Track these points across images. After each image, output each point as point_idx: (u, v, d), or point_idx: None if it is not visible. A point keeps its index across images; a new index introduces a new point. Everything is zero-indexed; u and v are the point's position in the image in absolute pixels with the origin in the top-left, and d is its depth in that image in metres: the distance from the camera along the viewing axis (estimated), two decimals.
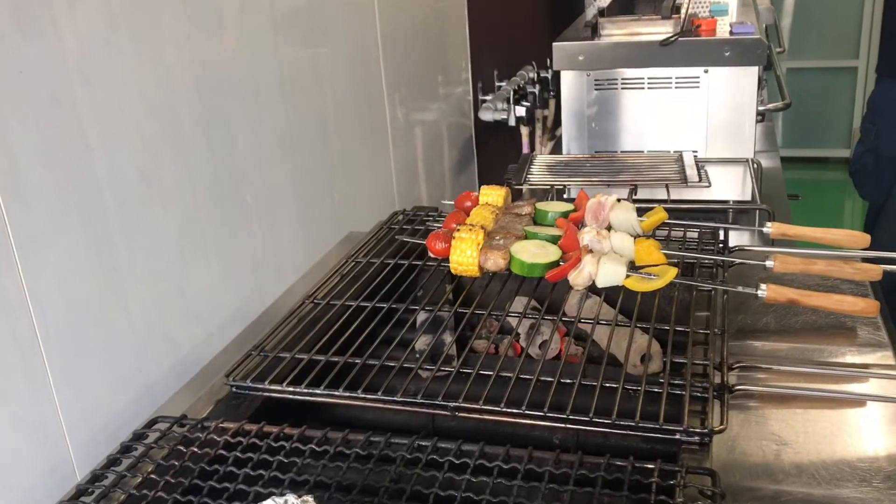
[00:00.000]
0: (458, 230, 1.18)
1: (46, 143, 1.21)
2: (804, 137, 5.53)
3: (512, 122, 2.57)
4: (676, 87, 2.33)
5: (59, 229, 1.23)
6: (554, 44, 2.36)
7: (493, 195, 1.33)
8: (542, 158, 2.36)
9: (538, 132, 2.85)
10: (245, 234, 1.67)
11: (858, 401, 1.01)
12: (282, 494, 0.71)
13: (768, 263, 1.17)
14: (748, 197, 2.29)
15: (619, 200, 1.30)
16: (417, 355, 1.15)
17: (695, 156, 2.26)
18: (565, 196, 2.42)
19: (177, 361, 1.46)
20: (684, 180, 2.11)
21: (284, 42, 1.77)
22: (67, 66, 1.24)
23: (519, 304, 1.28)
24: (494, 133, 2.79)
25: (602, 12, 2.42)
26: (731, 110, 2.30)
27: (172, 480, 0.83)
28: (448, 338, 1.19)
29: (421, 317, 1.24)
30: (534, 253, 1.17)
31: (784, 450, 0.94)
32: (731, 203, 2.33)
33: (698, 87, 2.30)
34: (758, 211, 2.23)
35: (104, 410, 1.29)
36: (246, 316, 1.54)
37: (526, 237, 1.23)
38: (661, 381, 0.95)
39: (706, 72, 2.28)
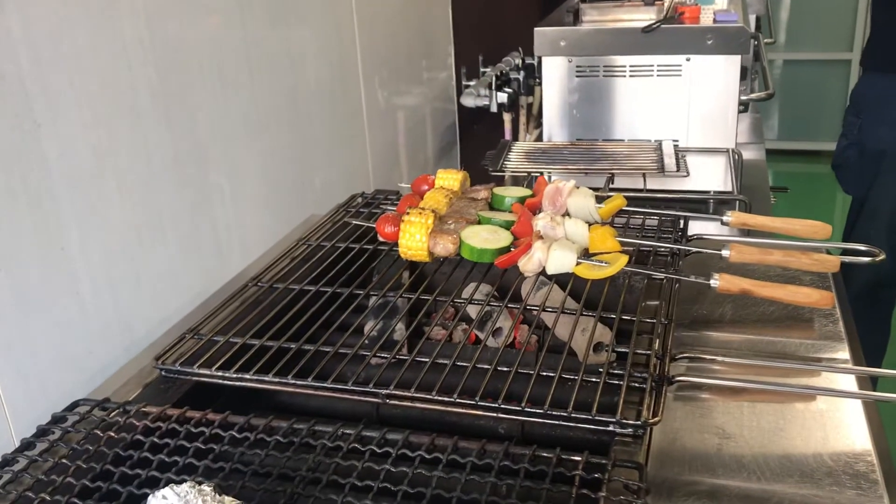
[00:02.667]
0: (408, 213, 1.15)
1: None
2: (797, 130, 5.48)
3: (494, 109, 2.54)
4: (658, 75, 2.29)
5: (3, 210, 1.20)
6: (535, 29, 2.33)
7: (449, 179, 1.30)
8: (521, 145, 2.33)
9: (522, 119, 2.82)
10: (207, 215, 1.64)
11: (807, 395, 0.98)
12: (180, 482, 0.69)
13: (724, 253, 1.14)
14: (729, 188, 2.26)
15: (577, 187, 1.27)
16: (367, 341, 1.13)
17: (675, 145, 2.23)
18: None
19: (131, 343, 1.43)
20: (661, 169, 2.08)
21: (251, 20, 1.74)
22: (12, 39, 1.21)
23: (478, 290, 1.25)
24: (479, 119, 2.76)
25: None
26: (713, 99, 2.27)
27: (84, 465, 0.80)
28: (398, 324, 1.17)
29: (372, 301, 1.21)
30: (484, 238, 1.15)
31: (726, 443, 0.92)
32: (712, 193, 2.30)
33: (680, 75, 2.27)
34: (736, 202, 2.21)
35: (50, 393, 1.26)
36: (205, 297, 1.51)
37: (479, 222, 1.21)
38: (601, 370, 0.92)
39: (688, 60, 2.24)
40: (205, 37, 1.60)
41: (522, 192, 1.29)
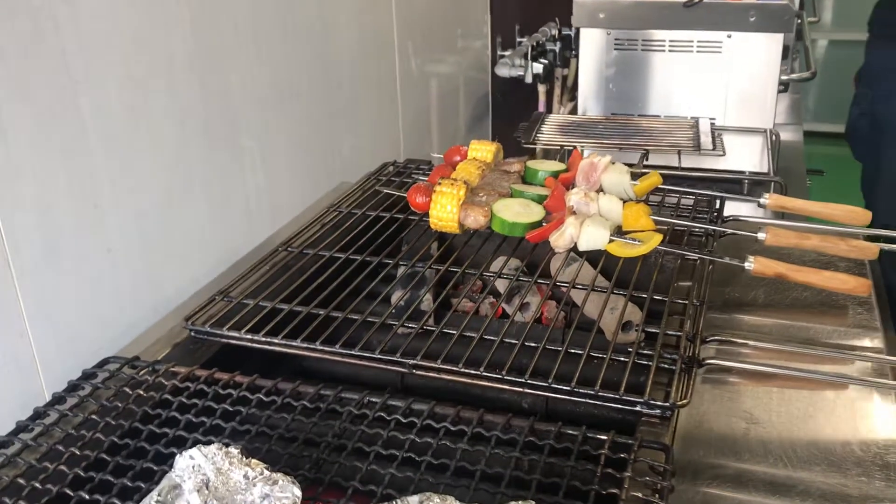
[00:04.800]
0: (440, 184, 1.14)
1: (26, 74, 1.18)
2: (837, 112, 5.36)
3: (528, 80, 2.51)
4: (698, 52, 2.25)
5: (38, 164, 1.21)
6: (575, 0, 2.29)
7: (482, 150, 1.28)
8: (554, 118, 2.31)
9: (557, 91, 2.78)
10: (237, 177, 1.65)
11: (839, 383, 0.96)
12: (207, 443, 0.69)
13: (760, 235, 1.12)
14: (765, 169, 2.22)
15: (612, 162, 1.26)
16: (394, 310, 1.13)
17: (712, 123, 2.19)
18: None
19: (160, 302, 1.44)
20: (697, 147, 2.05)
21: None
22: None
23: (507, 264, 1.25)
24: (513, 90, 2.73)
25: None
26: (753, 78, 2.22)
27: (113, 422, 0.81)
28: (426, 295, 1.16)
29: (400, 271, 1.21)
30: (516, 212, 1.13)
31: (754, 428, 0.91)
32: (747, 174, 2.27)
33: (720, 52, 2.22)
34: (772, 183, 2.17)
35: (81, 348, 1.27)
36: (234, 260, 1.52)
37: (512, 195, 1.19)
38: (630, 350, 0.91)
39: (729, 37, 2.19)
40: (241, 1, 1.59)
41: (556, 165, 1.28)
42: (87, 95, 1.29)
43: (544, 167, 1.26)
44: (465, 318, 1.06)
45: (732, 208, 1.34)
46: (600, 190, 1.24)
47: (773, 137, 2.22)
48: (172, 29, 1.43)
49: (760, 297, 1.15)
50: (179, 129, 1.48)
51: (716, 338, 0.98)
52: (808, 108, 5.34)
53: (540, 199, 1.18)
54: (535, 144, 2.17)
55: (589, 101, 2.39)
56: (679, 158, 2.09)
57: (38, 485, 0.73)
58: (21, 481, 0.74)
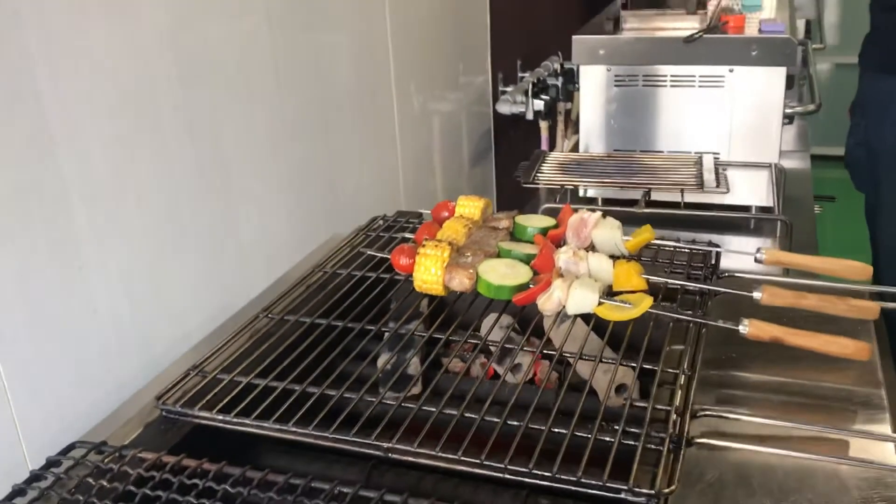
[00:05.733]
0: (424, 246, 1.11)
1: (4, 140, 1.16)
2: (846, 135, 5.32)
3: (530, 116, 2.48)
4: (700, 86, 2.22)
5: (18, 229, 1.19)
6: (574, 37, 2.27)
7: (470, 207, 1.25)
8: (555, 156, 2.28)
9: (560, 126, 2.76)
10: (231, 229, 1.62)
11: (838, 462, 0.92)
12: None
13: (756, 295, 1.08)
14: (772, 203, 2.19)
15: (604, 216, 1.22)
16: (380, 375, 1.09)
17: (716, 158, 2.16)
18: (580, 195, 2.35)
19: (150, 361, 1.41)
20: (700, 185, 2.02)
21: (279, 28, 1.70)
22: (29, 55, 1.19)
23: (499, 321, 1.21)
24: (515, 126, 2.70)
25: (626, 5, 2.31)
26: (757, 112, 2.19)
27: None
28: (413, 358, 1.13)
29: (387, 335, 1.18)
30: (502, 273, 1.10)
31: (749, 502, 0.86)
32: (754, 209, 2.23)
33: (723, 86, 2.19)
34: (778, 222, 2.13)
35: (66, 412, 1.24)
36: (229, 314, 1.49)
37: (499, 254, 1.16)
38: (616, 428, 0.87)
39: (731, 71, 2.16)
40: (230, 47, 1.57)
41: (546, 221, 1.24)
42: (67, 156, 1.27)
43: (533, 223, 1.23)
44: (454, 379, 1.02)
45: (731, 260, 1.30)
46: (591, 247, 1.21)
47: (778, 172, 2.19)
48: (158, 83, 1.41)
49: (761, 353, 1.11)
50: (168, 183, 1.46)
51: (707, 413, 0.94)
52: (817, 132, 5.28)
53: (528, 259, 1.14)
54: (536, 184, 2.14)
55: (591, 138, 2.36)
56: (682, 196, 2.06)
57: None
58: None
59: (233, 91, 1.58)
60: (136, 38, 1.37)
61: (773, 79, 2.14)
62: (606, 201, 2.31)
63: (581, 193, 2.34)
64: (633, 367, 1.00)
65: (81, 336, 1.30)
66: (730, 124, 2.22)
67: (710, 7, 2.27)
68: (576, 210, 1.23)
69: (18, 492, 0.81)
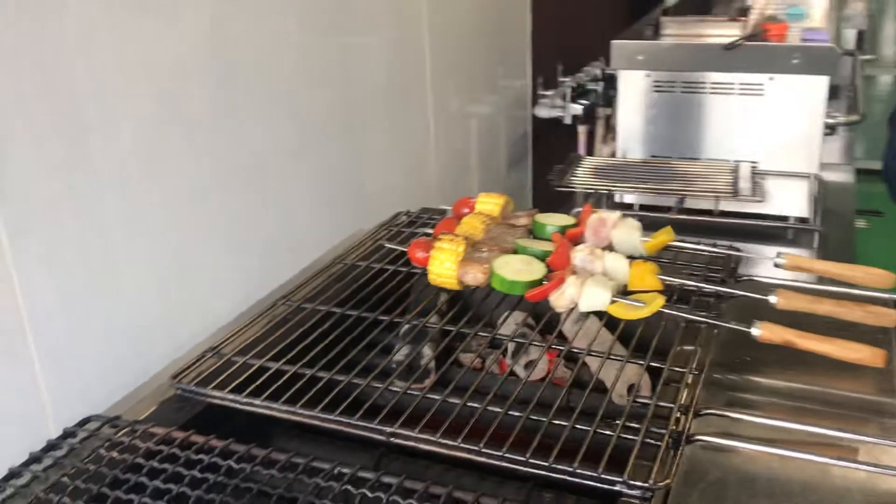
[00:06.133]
0: (440, 240, 1.12)
1: (38, 123, 1.20)
2: None
3: (568, 121, 2.49)
4: (740, 94, 2.20)
5: (51, 210, 1.23)
6: (612, 42, 2.27)
7: (490, 203, 1.26)
8: (591, 160, 2.28)
9: (600, 131, 2.75)
10: (258, 222, 1.65)
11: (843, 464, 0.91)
12: None
13: (771, 299, 1.07)
14: (810, 214, 2.16)
15: (623, 217, 1.22)
16: (395, 365, 1.11)
17: (753, 167, 2.14)
18: (617, 200, 2.34)
19: (175, 345, 1.45)
20: (735, 193, 2.00)
21: (311, 29, 1.74)
22: (66, 46, 1.23)
23: (513, 317, 1.22)
24: (554, 130, 2.70)
25: (666, 11, 2.30)
26: (797, 121, 2.16)
27: (82, 485, 0.81)
28: (426, 350, 1.14)
29: (404, 326, 1.19)
30: (517, 269, 1.11)
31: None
32: (792, 220, 2.20)
33: (763, 94, 2.17)
34: (815, 233, 2.11)
35: (94, 395, 1.28)
36: (252, 302, 1.52)
37: (516, 251, 1.17)
38: (617, 423, 0.88)
39: (772, 79, 2.14)
40: (262, 45, 1.60)
41: (565, 220, 1.25)
42: (100, 143, 1.31)
43: (552, 221, 1.24)
44: (465, 373, 1.04)
45: (752, 265, 1.29)
46: (610, 247, 1.21)
47: (818, 183, 2.16)
48: (190, 77, 1.45)
49: (776, 358, 1.10)
50: (197, 174, 1.50)
51: (711, 411, 0.94)
52: (867, 146, 5.17)
53: (544, 256, 1.15)
54: (569, 187, 2.14)
55: (628, 144, 2.36)
56: (716, 204, 2.04)
57: None
58: None
59: (263, 87, 1.61)
60: (171, 35, 1.41)
61: (814, 88, 2.12)
62: (643, 208, 2.29)
63: (617, 199, 2.33)
64: (641, 365, 1.00)
65: (109, 319, 1.34)
66: (769, 133, 2.20)
67: (752, 14, 2.25)
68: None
69: (35, 459, 0.85)
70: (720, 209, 2.05)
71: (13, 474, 0.83)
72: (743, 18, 2.19)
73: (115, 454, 0.85)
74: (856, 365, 1.04)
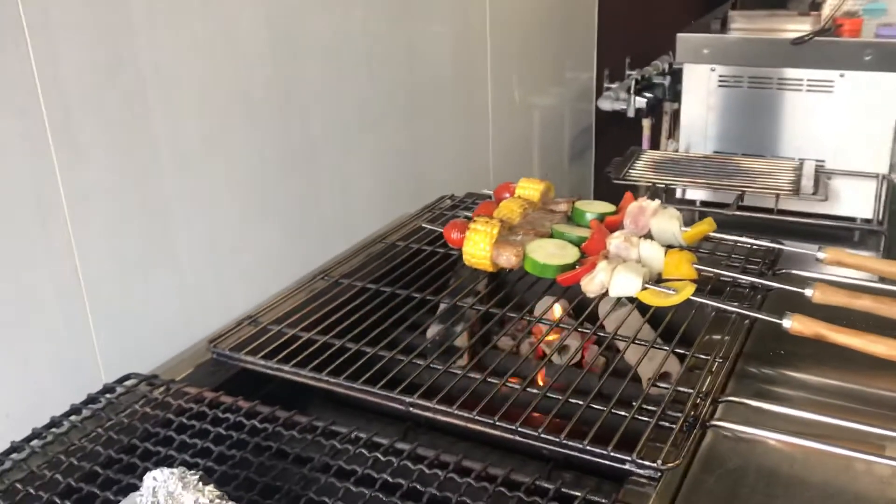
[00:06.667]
0: (475, 222, 1.14)
1: (104, 100, 1.27)
2: None
3: (631, 114, 2.47)
4: (808, 90, 2.16)
5: (111, 185, 1.30)
6: (678, 35, 2.25)
7: (529, 189, 1.28)
8: (651, 154, 2.26)
9: (665, 125, 2.72)
10: (314, 204, 1.70)
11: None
12: (194, 465, 0.72)
13: (807, 292, 1.06)
14: (876, 215, 2.10)
15: (664, 207, 1.22)
16: (429, 345, 1.13)
17: (818, 166, 2.09)
18: (678, 196, 2.32)
19: (227, 320, 1.50)
20: (796, 191, 1.96)
21: (374, 14, 1.77)
22: (132, 25, 1.29)
23: (553, 305, 1.23)
24: (618, 123, 2.69)
25: (735, 4, 2.26)
26: (868, 120, 2.11)
27: (115, 436, 0.86)
28: (460, 331, 1.16)
29: (441, 307, 1.21)
30: (550, 253, 1.12)
31: (771, 501, 0.85)
32: (859, 221, 2.15)
33: (832, 91, 2.12)
34: (882, 236, 2.05)
35: (145, 357, 1.33)
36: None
37: (552, 236, 1.18)
38: (634, 404, 0.88)
39: (842, 76, 2.09)
40: (324, 30, 1.65)
41: (606, 207, 1.25)
42: (163, 121, 1.37)
43: (592, 208, 1.24)
44: (497, 356, 1.05)
45: (794, 260, 1.27)
46: (648, 235, 1.21)
47: (886, 183, 2.10)
48: (250, 58, 1.50)
49: (812, 352, 1.08)
50: (255, 153, 1.55)
51: (730, 398, 0.93)
52: None
53: (580, 241, 1.16)
54: (626, 181, 2.13)
55: (691, 138, 2.33)
56: (776, 202, 2.01)
57: (31, 490, 0.78)
58: (18, 486, 0.79)
59: (324, 72, 1.66)
60: (232, 17, 1.47)
61: (887, 85, 2.06)
62: (704, 204, 2.27)
63: (678, 195, 2.31)
64: (666, 350, 1.00)
65: (162, 288, 1.41)
66: (837, 132, 2.15)
67: (826, 9, 2.19)
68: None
69: (75, 410, 0.90)
70: (780, 207, 2.01)
71: (54, 423, 0.88)
72: (815, 13, 2.14)
73: (148, 409, 0.89)
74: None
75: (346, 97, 1.72)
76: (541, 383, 1.10)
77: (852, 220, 2.16)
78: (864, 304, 1.04)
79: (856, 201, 2.15)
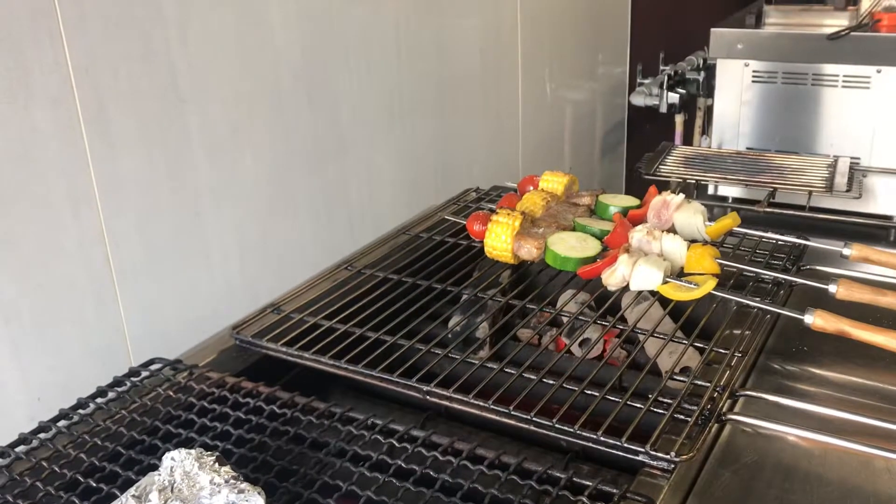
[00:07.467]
0: (497, 214, 1.15)
1: (136, 91, 1.29)
2: None
3: (663, 109, 2.45)
4: (843, 87, 2.12)
5: (142, 175, 1.32)
6: (712, 29, 2.23)
7: (553, 182, 1.28)
8: (682, 150, 2.24)
9: (699, 121, 2.70)
10: (341, 196, 1.71)
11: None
12: (214, 447, 0.74)
13: (831, 288, 1.05)
14: None
15: (688, 201, 1.21)
16: (450, 335, 1.14)
17: (855, 163, 2.06)
18: (710, 192, 2.30)
19: (253, 306, 1.52)
20: (829, 189, 1.93)
21: (404, 7, 1.78)
22: (163, 17, 1.31)
23: (575, 298, 1.23)
24: (651, 119, 2.67)
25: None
26: None
27: (138, 418, 0.88)
28: (482, 322, 1.17)
29: (463, 297, 1.22)
30: (571, 246, 1.12)
31: (786, 497, 0.85)
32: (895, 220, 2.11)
33: (868, 87, 2.09)
34: None
35: (173, 344, 1.36)
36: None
37: (574, 229, 1.18)
38: (650, 396, 0.88)
39: (879, 72, 2.06)
40: (353, 23, 1.66)
41: (630, 201, 1.25)
42: (193, 112, 1.39)
43: (615, 202, 1.24)
44: (517, 347, 1.06)
45: (819, 256, 1.25)
46: (672, 229, 1.20)
47: None
48: (280, 50, 1.52)
49: (836, 349, 1.07)
50: (284, 144, 1.57)
51: (747, 393, 0.93)
52: None
53: (602, 235, 1.16)
54: (656, 176, 2.12)
55: (724, 134, 2.31)
56: (808, 199, 1.98)
57: (56, 468, 0.80)
58: (45, 464, 0.81)
59: (353, 64, 1.67)
60: (263, 10, 1.48)
61: None
62: (737, 201, 2.24)
63: (710, 191, 2.29)
64: (685, 344, 1.00)
65: (191, 278, 1.43)
66: (873, 128, 2.11)
67: (864, 4, 2.16)
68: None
69: (101, 392, 0.92)
70: (813, 205, 1.98)
71: (80, 404, 0.90)
72: (852, 7, 2.10)
73: (171, 393, 0.91)
74: None
75: (375, 89, 1.73)
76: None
77: (888, 217, 2.12)
78: (889, 301, 1.03)
79: (892, 199, 2.11)
